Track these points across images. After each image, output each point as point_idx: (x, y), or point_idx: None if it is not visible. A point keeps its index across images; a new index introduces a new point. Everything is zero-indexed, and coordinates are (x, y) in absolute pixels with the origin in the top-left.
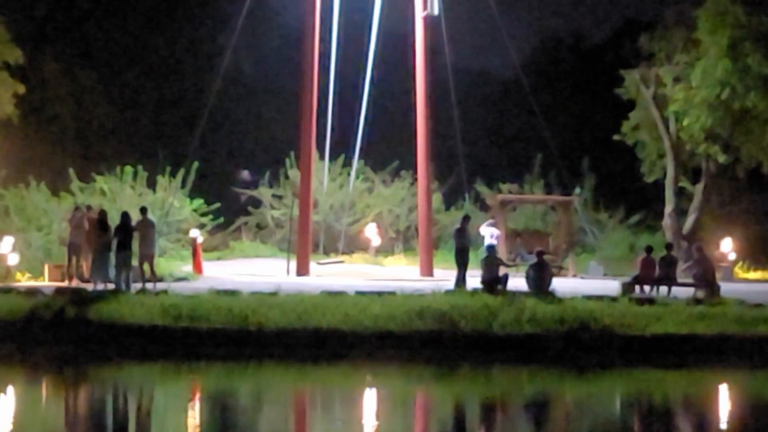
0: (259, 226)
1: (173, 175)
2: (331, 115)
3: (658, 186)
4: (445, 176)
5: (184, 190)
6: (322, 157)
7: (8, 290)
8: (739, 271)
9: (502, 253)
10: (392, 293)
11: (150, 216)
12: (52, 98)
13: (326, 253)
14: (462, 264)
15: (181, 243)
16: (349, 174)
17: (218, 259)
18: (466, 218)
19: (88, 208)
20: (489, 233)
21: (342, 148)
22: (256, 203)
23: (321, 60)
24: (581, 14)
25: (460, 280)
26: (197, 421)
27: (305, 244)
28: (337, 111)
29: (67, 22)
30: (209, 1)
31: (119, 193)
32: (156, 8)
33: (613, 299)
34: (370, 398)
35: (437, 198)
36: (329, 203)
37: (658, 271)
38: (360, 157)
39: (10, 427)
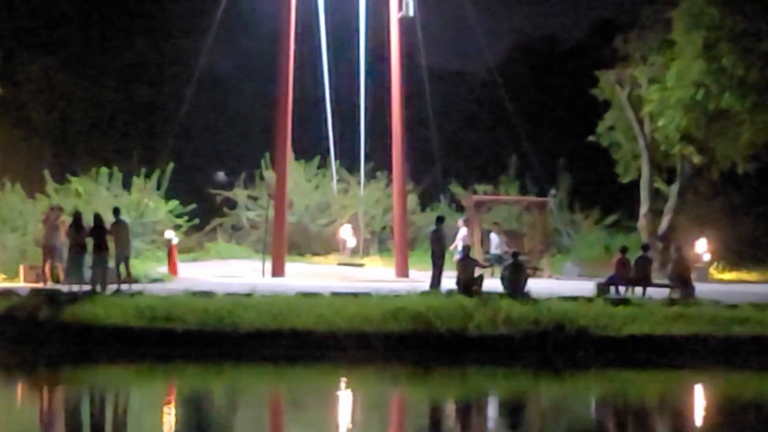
0: (235, 228)
1: (148, 176)
2: (331, 117)
3: (634, 187)
4: (420, 177)
5: (160, 191)
6: (297, 158)
7: None
8: (714, 272)
9: (478, 254)
10: (367, 294)
11: (123, 217)
12: (28, 100)
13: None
14: (437, 265)
15: (157, 244)
16: (325, 175)
17: (193, 260)
18: (440, 219)
19: (59, 209)
20: (460, 234)
21: (317, 150)
22: (232, 204)
23: (297, 61)
24: (557, 15)
25: (435, 281)
26: (172, 422)
27: (280, 245)
28: (314, 114)
29: (42, 25)
30: (184, 1)
31: (94, 195)
32: (132, 10)
33: (589, 300)
34: (345, 399)
35: (412, 199)
36: (305, 204)
37: (634, 271)
38: (335, 158)
39: None
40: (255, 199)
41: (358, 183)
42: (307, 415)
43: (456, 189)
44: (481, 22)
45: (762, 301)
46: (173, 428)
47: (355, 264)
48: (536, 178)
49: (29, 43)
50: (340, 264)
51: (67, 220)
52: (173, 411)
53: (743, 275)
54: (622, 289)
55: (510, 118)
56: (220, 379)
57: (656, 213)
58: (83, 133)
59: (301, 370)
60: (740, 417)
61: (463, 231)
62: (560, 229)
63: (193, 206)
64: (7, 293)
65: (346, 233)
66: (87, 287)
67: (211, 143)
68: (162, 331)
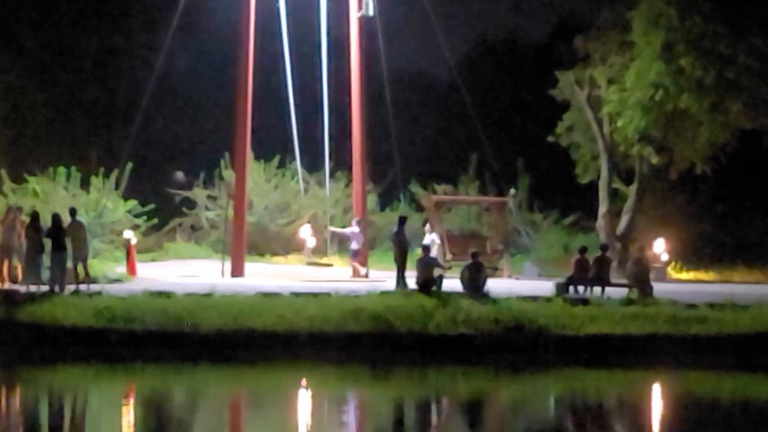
0: (194, 228)
1: (107, 176)
2: (294, 117)
3: (593, 187)
4: (380, 177)
5: (118, 191)
6: (257, 158)
7: None
8: (672, 272)
9: (439, 254)
10: (327, 294)
11: (79, 217)
12: None
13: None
14: (400, 265)
15: (115, 244)
16: (284, 175)
17: (152, 260)
18: (402, 220)
19: (18, 210)
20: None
21: (277, 150)
22: (191, 204)
23: (257, 59)
24: (516, 15)
25: (400, 281)
26: (131, 423)
27: (240, 245)
28: (274, 112)
29: None
30: None
31: (52, 195)
32: (88, 6)
33: (548, 300)
34: (304, 400)
35: (372, 199)
36: (264, 204)
37: (593, 271)
38: (294, 158)
39: None
40: (214, 198)
41: (318, 183)
42: (267, 415)
43: (416, 189)
44: (441, 22)
45: (719, 300)
46: (132, 430)
47: (323, 264)
48: (496, 178)
49: None
50: (308, 264)
51: (25, 220)
52: (132, 412)
53: (701, 275)
54: (581, 288)
55: (470, 117)
56: (179, 380)
57: (615, 213)
58: (40, 132)
59: (261, 370)
60: (697, 416)
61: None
62: (520, 229)
63: (151, 206)
64: None
65: (306, 233)
66: (45, 287)
67: (170, 142)
68: (121, 331)
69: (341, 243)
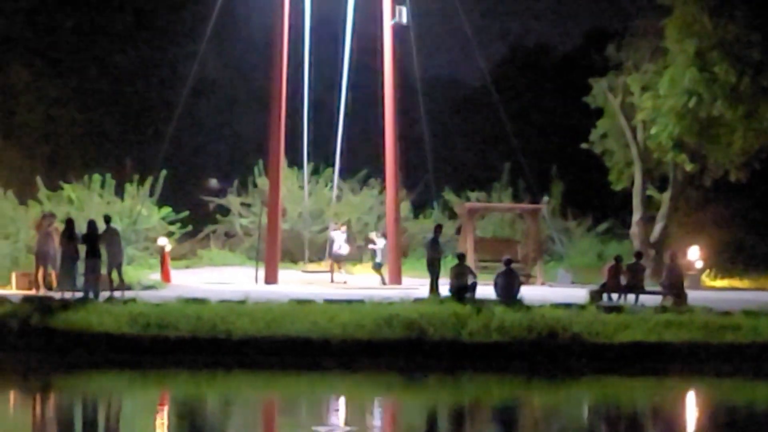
0: (228, 235)
1: (141, 183)
2: (306, 123)
3: (626, 194)
4: (413, 184)
5: (152, 198)
6: (291, 165)
7: None
8: (706, 280)
9: (471, 261)
10: (361, 301)
11: (114, 224)
12: (20, 106)
13: (298, 261)
14: (434, 273)
15: (149, 251)
16: (317, 182)
17: (186, 267)
18: (438, 228)
19: (53, 216)
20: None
21: (312, 156)
22: (225, 211)
23: (291, 67)
24: (550, 23)
25: (434, 288)
26: (165, 431)
27: (274, 252)
28: (310, 118)
29: (34, 31)
30: (176, 8)
31: (87, 202)
32: (122, 15)
33: (581, 307)
34: (338, 407)
35: (405, 206)
36: (298, 211)
37: (626, 279)
38: (329, 165)
39: None
40: (248, 206)
41: (352, 190)
42: (300, 422)
43: (449, 196)
44: (474, 30)
45: (754, 308)
46: None
47: (319, 271)
48: (529, 186)
49: (19, 49)
50: (303, 272)
51: (59, 227)
52: (166, 420)
53: (735, 282)
54: (614, 296)
55: (503, 125)
56: (213, 386)
57: (649, 220)
58: (76, 139)
59: (294, 377)
60: (733, 425)
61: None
62: (553, 236)
63: (185, 213)
64: (0, 300)
65: (340, 239)
66: (80, 294)
67: (204, 150)
68: (155, 338)
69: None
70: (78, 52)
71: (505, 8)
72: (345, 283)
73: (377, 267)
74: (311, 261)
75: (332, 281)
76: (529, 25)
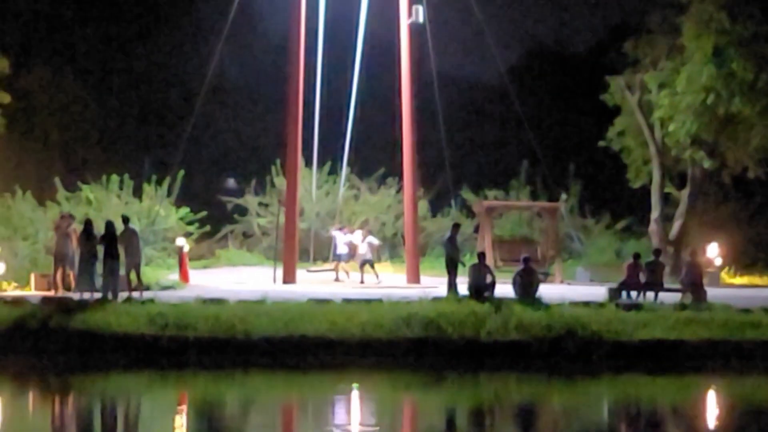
0: (246, 235)
1: (159, 183)
2: (317, 122)
3: (644, 192)
4: (431, 183)
5: (170, 198)
6: (308, 164)
7: None
8: (726, 277)
9: (490, 260)
10: (379, 300)
11: (132, 225)
12: (38, 108)
13: (315, 261)
14: (452, 272)
15: (168, 252)
16: (335, 182)
17: (204, 267)
18: (456, 227)
19: (71, 217)
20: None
21: (328, 156)
22: (242, 211)
23: (307, 67)
24: (566, 21)
25: (452, 286)
26: (184, 430)
27: (291, 251)
28: (324, 119)
29: (51, 32)
30: (192, 10)
31: (105, 202)
32: (139, 17)
33: (600, 305)
34: (357, 406)
35: (423, 205)
36: (315, 211)
37: (645, 276)
38: (347, 164)
39: None
40: (266, 206)
41: (369, 189)
42: (320, 422)
43: (467, 195)
44: (491, 29)
45: None
46: None
47: (324, 270)
48: (547, 184)
49: (37, 50)
50: (308, 271)
51: (78, 228)
52: (185, 420)
53: (755, 279)
54: (633, 294)
55: (520, 123)
56: (231, 386)
57: (667, 218)
58: (94, 140)
59: (312, 376)
60: (754, 422)
61: (341, 237)
62: (571, 234)
63: (203, 213)
64: (19, 301)
65: (357, 239)
66: (98, 295)
67: (221, 150)
68: (173, 338)
69: (392, 249)
70: (96, 54)
71: (522, 6)
72: (362, 283)
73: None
74: (315, 261)
75: (337, 280)
76: (547, 22)
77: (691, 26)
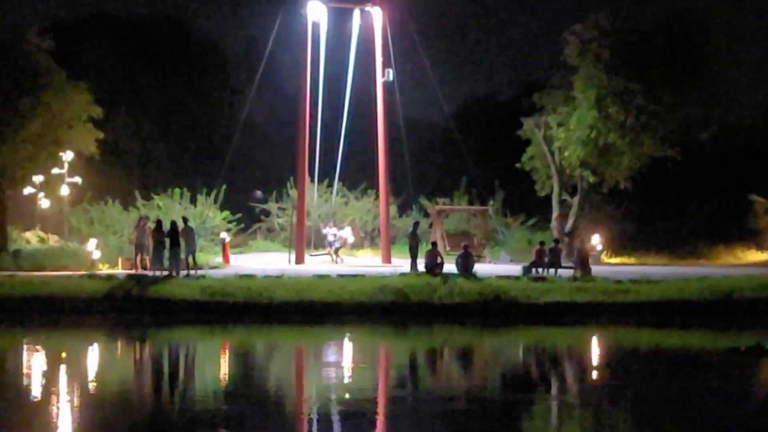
0: (269, 230)
1: (208, 194)
2: (318, 151)
3: (547, 199)
4: (398, 194)
5: (216, 205)
6: (312, 180)
7: (93, 276)
8: (605, 258)
9: (440, 248)
10: (362, 275)
11: (190, 223)
12: (123, 140)
13: (316, 248)
14: (413, 255)
15: (214, 242)
16: (331, 192)
17: (240, 253)
18: (416, 224)
19: (146, 218)
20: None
21: (326, 175)
22: (266, 213)
23: (311, 112)
24: (494, 78)
25: (413, 266)
26: (227, 364)
27: (301, 242)
28: (323, 149)
29: (131, 85)
30: (229, 70)
31: (170, 208)
32: (192, 75)
33: (517, 278)
34: (348, 348)
35: (393, 209)
36: (318, 213)
37: (548, 258)
38: (339, 180)
39: (96, 370)
40: (283, 209)
41: (356, 198)
42: (322, 359)
43: (424, 201)
44: (442, 83)
45: (638, 278)
46: (227, 370)
47: (322, 254)
48: (480, 193)
49: (123, 99)
50: (311, 255)
51: (151, 225)
52: (227, 358)
53: (625, 260)
54: (540, 270)
55: (461, 152)
56: (259, 336)
57: (564, 216)
58: (162, 163)
59: (317, 329)
60: (625, 359)
61: (331, 231)
62: (497, 229)
63: (239, 215)
64: (110, 277)
65: (348, 233)
66: (165, 273)
67: (251, 171)
68: (218, 303)
69: (371, 240)
70: (162, 103)
71: (463, 68)
72: (342, 261)
73: (336, 250)
74: (315, 248)
75: (335, 262)
76: (480, 80)
77: (580, 83)
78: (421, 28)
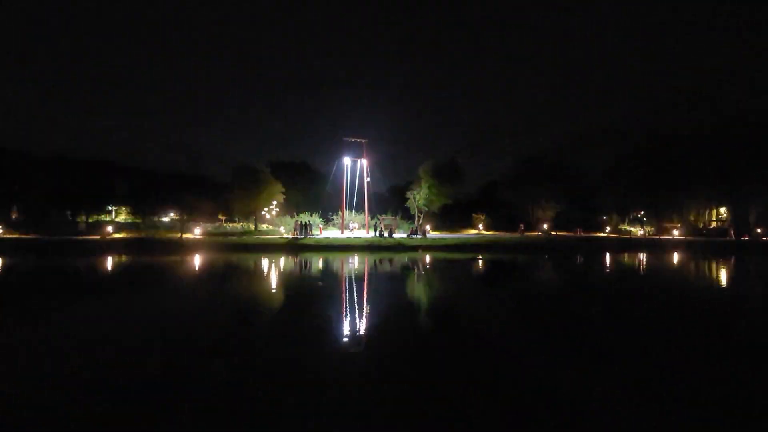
0: (332, 224)
1: (311, 214)
2: (345, 200)
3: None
4: (373, 215)
5: (314, 215)
6: (348, 210)
7: (283, 237)
8: (434, 232)
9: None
10: (359, 237)
11: (309, 221)
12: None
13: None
14: (380, 233)
15: (316, 229)
16: (353, 214)
17: (323, 230)
18: (380, 221)
19: (299, 221)
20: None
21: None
22: (331, 220)
23: (345, 189)
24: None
25: (380, 235)
26: (326, 261)
27: (342, 227)
28: (348, 199)
29: (283, 158)
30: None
31: (303, 217)
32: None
33: (406, 237)
34: (354, 259)
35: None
36: (348, 220)
37: (414, 231)
38: (354, 210)
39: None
40: (332, 220)
41: (358, 214)
42: (349, 261)
43: (381, 215)
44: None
45: (452, 239)
46: (332, 261)
47: (354, 228)
48: (402, 215)
49: (280, 169)
50: (342, 232)
51: (298, 221)
52: (326, 259)
53: (444, 233)
54: (414, 236)
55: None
56: (332, 253)
57: (419, 219)
58: (301, 206)
59: (343, 253)
60: (451, 267)
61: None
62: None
63: (322, 220)
64: (285, 239)
65: (354, 225)
66: (301, 236)
67: (324, 206)
68: (316, 245)
69: (361, 227)
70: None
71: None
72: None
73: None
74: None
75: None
76: (402, 174)
77: (424, 175)
78: (390, 154)
